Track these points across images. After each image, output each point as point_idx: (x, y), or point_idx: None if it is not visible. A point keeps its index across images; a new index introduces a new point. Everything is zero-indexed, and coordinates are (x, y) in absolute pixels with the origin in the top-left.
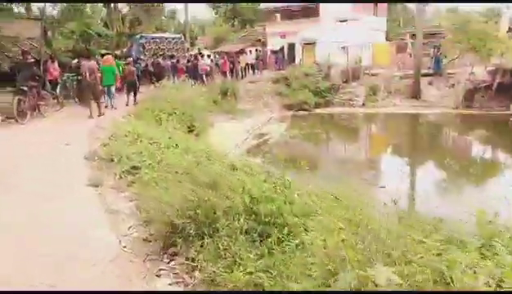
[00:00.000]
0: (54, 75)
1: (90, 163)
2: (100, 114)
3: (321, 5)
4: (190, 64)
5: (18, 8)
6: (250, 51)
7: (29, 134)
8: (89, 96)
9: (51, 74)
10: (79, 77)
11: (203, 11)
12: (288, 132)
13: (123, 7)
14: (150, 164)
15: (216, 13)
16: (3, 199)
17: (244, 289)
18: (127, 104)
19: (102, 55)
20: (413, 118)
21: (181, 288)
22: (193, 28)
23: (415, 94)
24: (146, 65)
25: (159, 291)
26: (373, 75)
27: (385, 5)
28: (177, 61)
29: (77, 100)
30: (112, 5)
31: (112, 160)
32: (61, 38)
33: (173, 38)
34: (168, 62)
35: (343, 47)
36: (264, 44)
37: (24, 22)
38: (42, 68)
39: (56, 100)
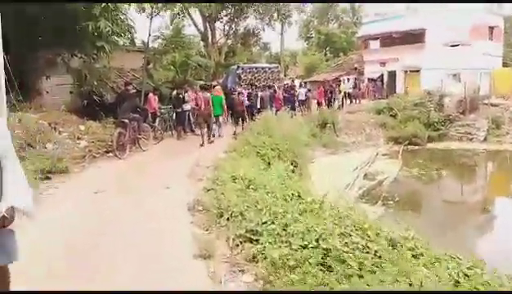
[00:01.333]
0: (154, 107)
1: (194, 217)
2: (210, 141)
3: (428, 29)
4: (287, 94)
5: (122, 40)
6: (348, 80)
7: (127, 172)
8: (203, 126)
9: (151, 106)
10: (178, 109)
11: (294, 42)
12: (403, 172)
13: (220, 38)
14: (273, 230)
15: (308, 43)
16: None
17: None
18: (234, 133)
19: (201, 87)
20: None
21: None
22: (284, 58)
23: None
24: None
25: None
26: (493, 106)
27: (501, 29)
28: (275, 91)
29: (174, 132)
30: (210, 37)
31: (221, 215)
32: (162, 70)
33: (269, 68)
34: (267, 92)
35: (455, 75)
36: (360, 72)
37: (128, 54)
38: (143, 99)
39: (154, 133)
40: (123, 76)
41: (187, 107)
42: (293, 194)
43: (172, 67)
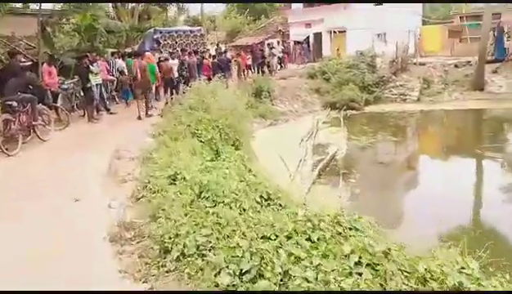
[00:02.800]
0: (53, 82)
1: (121, 255)
2: (148, 115)
3: None
4: (216, 60)
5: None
6: (276, 43)
7: (17, 175)
8: (140, 98)
9: (49, 81)
10: (87, 84)
11: (212, 4)
12: (351, 141)
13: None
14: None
15: (226, 5)
16: None
17: None
18: (166, 103)
19: (112, 54)
20: (480, 114)
21: None
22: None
23: (479, 85)
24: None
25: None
26: (421, 65)
27: None
28: (203, 57)
29: (81, 111)
30: None
31: (166, 250)
32: (63, 36)
33: (192, 32)
34: (195, 59)
35: (379, 35)
36: (285, 35)
37: (20, 18)
38: (41, 73)
39: (57, 116)
40: (13, 45)
41: (98, 80)
42: (264, 199)
43: (76, 32)
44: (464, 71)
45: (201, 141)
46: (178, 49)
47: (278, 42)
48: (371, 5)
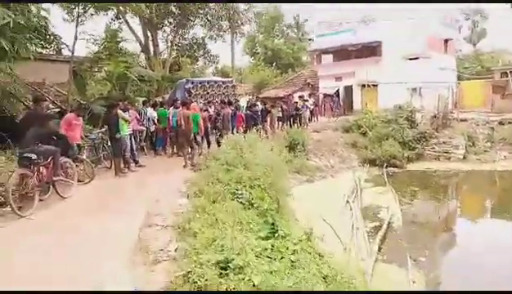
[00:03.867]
0: (70, 135)
1: None
2: (193, 165)
3: (385, 41)
4: (249, 111)
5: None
6: (308, 96)
7: (30, 244)
8: (185, 146)
9: (71, 132)
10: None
11: (239, 57)
12: (403, 205)
13: (163, 52)
14: None
15: (253, 59)
16: None
17: None
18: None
19: (144, 103)
20: None
21: None
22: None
23: None
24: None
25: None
26: (462, 121)
27: (454, 42)
28: (237, 108)
29: (107, 162)
30: (152, 49)
31: None
32: (94, 84)
33: (224, 83)
34: (229, 110)
35: (414, 89)
36: (314, 88)
37: (51, 65)
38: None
39: (83, 169)
40: (42, 91)
41: (129, 130)
42: None
43: (107, 80)
44: (511, 129)
45: (241, 203)
46: (212, 99)
47: (310, 95)
48: (405, 59)
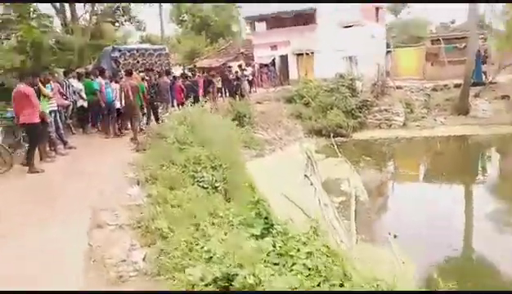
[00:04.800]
0: None
1: None
2: (136, 142)
3: (319, 10)
4: (189, 81)
5: None
6: (245, 65)
7: None
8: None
9: None
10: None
11: (165, 26)
12: (362, 176)
13: (83, 14)
14: None
15: (181, 27)
16: None
17: None
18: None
19: (65, 74)
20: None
21: None
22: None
23: (463, 109)
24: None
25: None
26: (398, 88)
27: (385, 11)
28: (174, 78)
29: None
30: (69, 13)
31: None
32: (2, 53)
33: (156, 50)
34: (167, 80)
35: (350, 57)
36: (248, 57)
37: None
38: None
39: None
40: None
41: (52, 106)
42: None
43: (19, 49)
44: (444, 95)
45: (203, 187)
46: (143, 69)
47: (247, 65)
48: (339, 27)
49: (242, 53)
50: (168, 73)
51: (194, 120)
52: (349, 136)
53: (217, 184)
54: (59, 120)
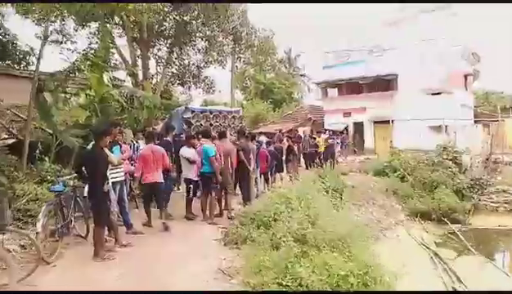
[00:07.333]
0: None
1: None
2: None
3: (401, 75)
4: (273, 148)
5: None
6: (325, 132)
7: None
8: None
9: None
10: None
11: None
12: None
13: (155, 76)
14: None
15: (243, 93)
16: None
17: None
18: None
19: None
20: None
21: None
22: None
23: None
24: None
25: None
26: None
27: (472, 78)
28: (259, 144)
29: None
30: (141, 71)
31: None
32: (68, 108)
33: (230, 113)
34: (253, 146)
35: (440, 126)
36: (316, 123)
37: (13, 82)
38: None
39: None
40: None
41: (119, 175)
42: None
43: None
44: None
45: None
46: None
47: (318, 132)
48: (424, 94)
49: (310, 119)
50: (253, 138)
51: (317, 207)
52: (467, 223)
53: None
54: (124, 193)
